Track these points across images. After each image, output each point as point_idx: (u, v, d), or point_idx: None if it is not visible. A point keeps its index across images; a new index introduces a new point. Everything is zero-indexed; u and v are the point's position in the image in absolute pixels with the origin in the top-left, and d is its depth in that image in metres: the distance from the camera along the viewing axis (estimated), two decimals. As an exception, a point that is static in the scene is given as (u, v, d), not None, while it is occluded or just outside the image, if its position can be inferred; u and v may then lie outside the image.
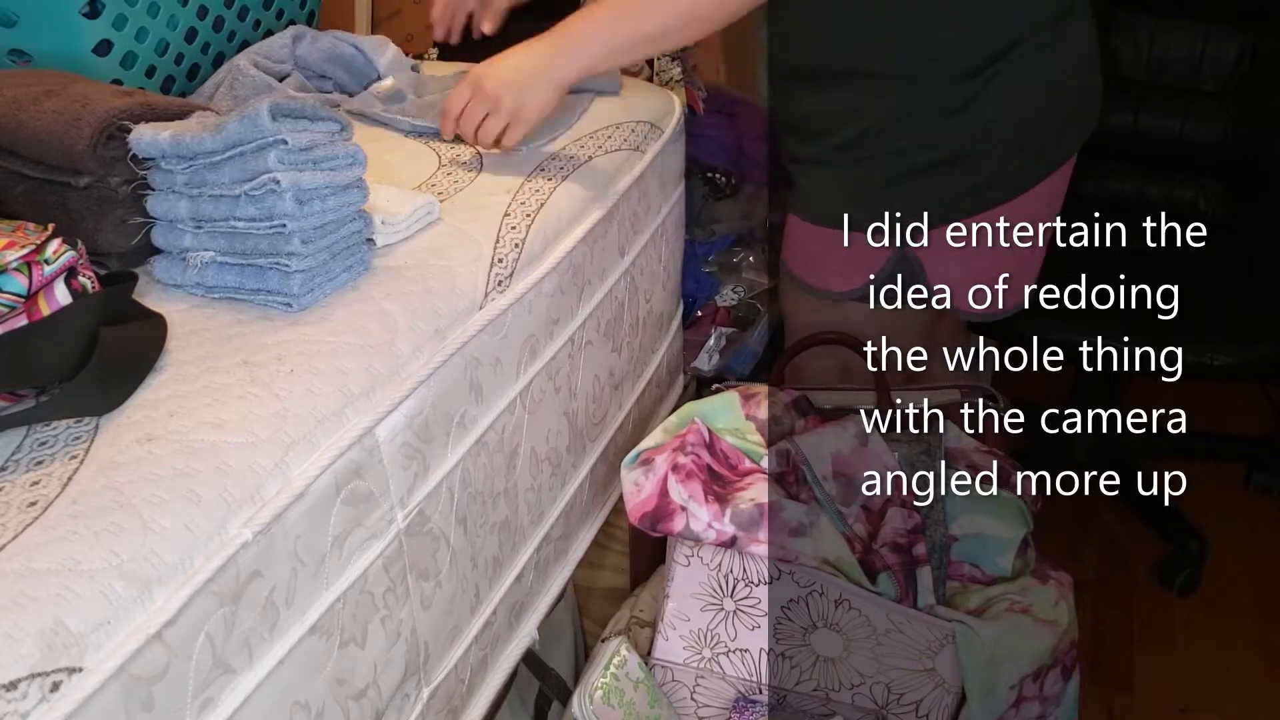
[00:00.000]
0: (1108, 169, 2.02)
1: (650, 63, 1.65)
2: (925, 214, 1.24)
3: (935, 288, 1.27)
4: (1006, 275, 1.31)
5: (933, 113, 1.20)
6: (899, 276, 1.27)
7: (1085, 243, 1.89)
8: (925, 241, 1.25)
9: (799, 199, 1.32)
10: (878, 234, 1.25)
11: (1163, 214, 1.98)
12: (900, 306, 1.30)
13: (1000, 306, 1.32)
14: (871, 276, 1.27)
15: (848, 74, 1.22)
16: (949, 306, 1.29)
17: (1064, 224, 1.91)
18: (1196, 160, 1.95)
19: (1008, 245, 1.28)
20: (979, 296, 1.30)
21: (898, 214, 1.25)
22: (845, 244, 1.27)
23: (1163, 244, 1.88)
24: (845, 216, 1.26)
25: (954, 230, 1.25)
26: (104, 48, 1.17)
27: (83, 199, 0.95)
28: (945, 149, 1.21)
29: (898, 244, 1.25)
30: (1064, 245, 1.87)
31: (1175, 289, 1.75)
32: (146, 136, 0.91)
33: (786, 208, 1.36)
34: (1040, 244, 1.34)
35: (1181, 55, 1.94)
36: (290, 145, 0.88)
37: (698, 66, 1.79)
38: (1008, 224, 1.26)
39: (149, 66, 1.22)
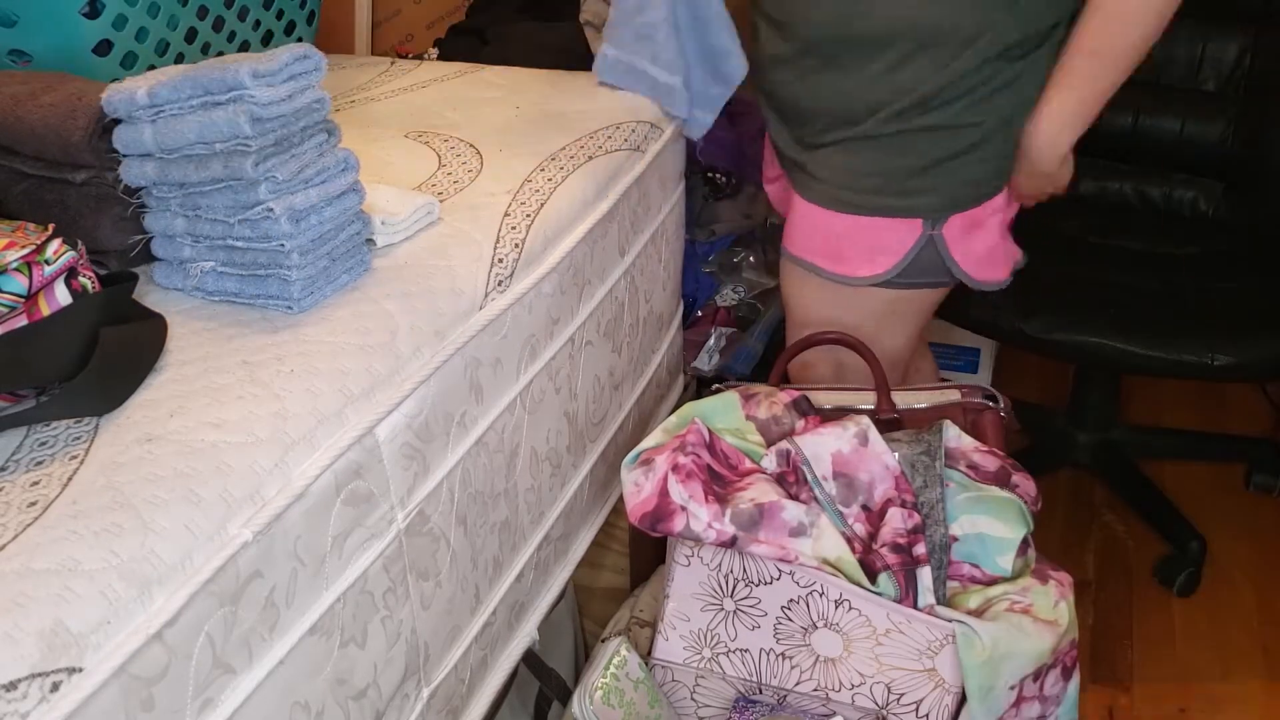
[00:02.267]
0: (1108, 169, 2.02)
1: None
2: (959, 198, 1.25)
3: (956, 265, 1.28)
4: (1006, 239, 1.33)
5: (974, 90, 1.19)
6: (925, 258, 1.27)
7: (1085, 242, 1.90)
8: (950, 223, 1.26)
9: (820, 187, 1.29)
10: (910, 218, 1.25)
11: (1163, 214, 1.99)
12: (918, 289, 1.31)
13: (1005, 274, 1.34)
14: (898, 260, 1.27)
15: (887, 43, 1.19)
16: (972, 281, 1.30)
17: (1064, 223, 1.93)
18: (1196, 160, 1.95)
19: (1006, 213, 1.31)
20: (991, 267, 1.31)
21: (930, 197, 1.25)
22: (869, 229, 1.27)
23: (1163, 243, 1.89)
24: (875, 203, 1.26)
25: (975, 212, 1.26)
26: (104, 48, 1.17)
27: (81, 196, 0.95)
28: (982, 129, 1.21)
29: (930, 228, 1.26)
30: (1064, 245, 1.88)
31: (1175, 289, 1.76)
32: (134, 167, 0.91)
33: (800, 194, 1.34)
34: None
35: (1181, 55, 1.94)
36: (280, 179, 0.88)
37: (698, 66, 1.79)
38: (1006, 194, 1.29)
39: (149, 67, 1.22)
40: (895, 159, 1.24)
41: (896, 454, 1.11)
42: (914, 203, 1.25)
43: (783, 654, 1.10)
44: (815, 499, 1.09)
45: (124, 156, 0.92)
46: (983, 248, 1.29)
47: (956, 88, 1.19)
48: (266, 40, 1.41)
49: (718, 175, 1.82)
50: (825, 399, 1.25)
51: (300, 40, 1.31)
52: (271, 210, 0.88)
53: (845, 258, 1.30)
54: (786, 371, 1.36)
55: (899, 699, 1.07)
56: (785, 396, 1.19)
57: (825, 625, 1.07)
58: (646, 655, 1.14)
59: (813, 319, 1.36)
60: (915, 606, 1.05)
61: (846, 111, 1.25)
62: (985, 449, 1.16)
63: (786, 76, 1.29)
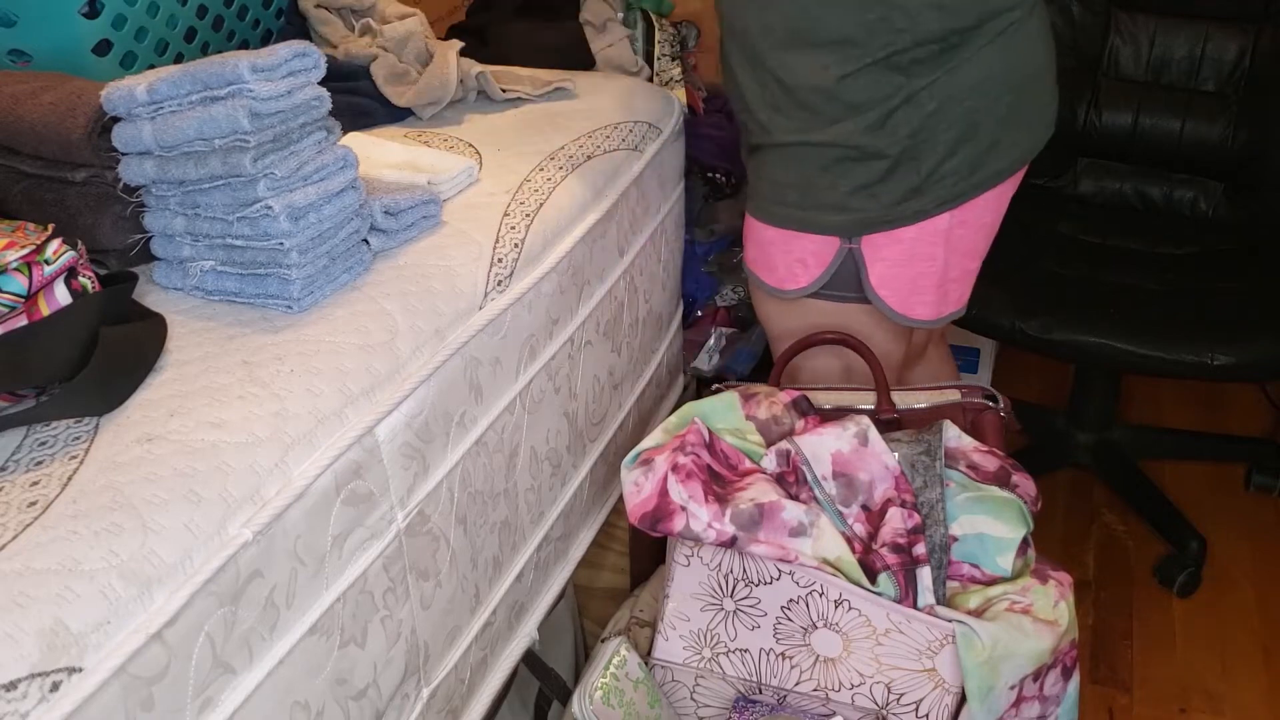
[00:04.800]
0: (1108, 169, 2.02)
1: (650, 62, 1.66)
2: (870, 217, 1.19)
3: (870, 287, 1.23)
4: (945, 280, 1.26)
5: (864, 109, 1.14)
6: (845, 273, 1.23)
7: (1085, 242, 1.90)
8: (872, 242, 1.21)
9: (753, 198, 1.28)
10: (823, 235, 1.22)
11: (1163, 214, 1.99)
12: (857, 304, 1.26)
13: (941, 314, 1.28)
14: (820, 273, 1.24)
15: (822, 42, 1.14)
16: (891, 311, 1.25)
17: (1065, 223, 1.93)
18: (1196, 160, 1.95)
19: (952, 252, 1.24)
20: (921, 304, 1.26)
21: (844, 214, 1.20)
22: (791, 241, 1.24)
23: (1163, 243, 1.89)
24: (791, 216, 1.23)
25: (896, 234, 1.21)
26: (104, 48, 1.17)
27: (80, 195, 0.95)
28: (889, 146, 1.15)
29: (848, 242, 1.21)
30: (1064, 245, 1.88)
31: (1175, 289, 1.76)
32: (133, 165, 0.91)
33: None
34: (980, 251, 1.29)
35: (1181, 55, 1.95)
36: (279, 175, 0.88)
37: (697, 66, 1.79)
38: (950, 227, 1.21)
39: (148, 66, 1.22)
40: (809, 171, 1.20)
41: (896, 454, 1.11)
42: (826, 218, 1.21)
43: (783, 654, 1.10)
44: (815, 499, 1.09)
45: (123, 155, 0.92)
46: (908, 277, 1.23)
47: (842, 100, 1.14)
48: (266, 39, 1.41)
49: (718, 175, 1.82)
50: (825, 399, 1.25)
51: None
52: (270, 208, 0.88)
53: (775, 269, 1.28)
54: (790, 370, 1.36)
55: (899, 699, 1.07)
56: (785, 396, 1.19)
57: (825, 625, 1.07)
58: (646, 655, 1.14)
59: (775, 330, 1.35)
60: (915, 606, 1.05)
61: (763, 111, 1.21)
62: (985, 449, 1.16)
63: (730, 74, 1.27)
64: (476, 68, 1.36)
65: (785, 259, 1.26)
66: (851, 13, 1.12)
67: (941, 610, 1.04)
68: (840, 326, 1.28)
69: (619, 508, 1.34)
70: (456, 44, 1.37)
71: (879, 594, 1.04)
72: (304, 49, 0.89)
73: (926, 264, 1.23)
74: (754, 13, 1.18)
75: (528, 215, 1.11)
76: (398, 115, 1.32)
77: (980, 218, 1.24)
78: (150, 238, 0.95)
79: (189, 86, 0.87)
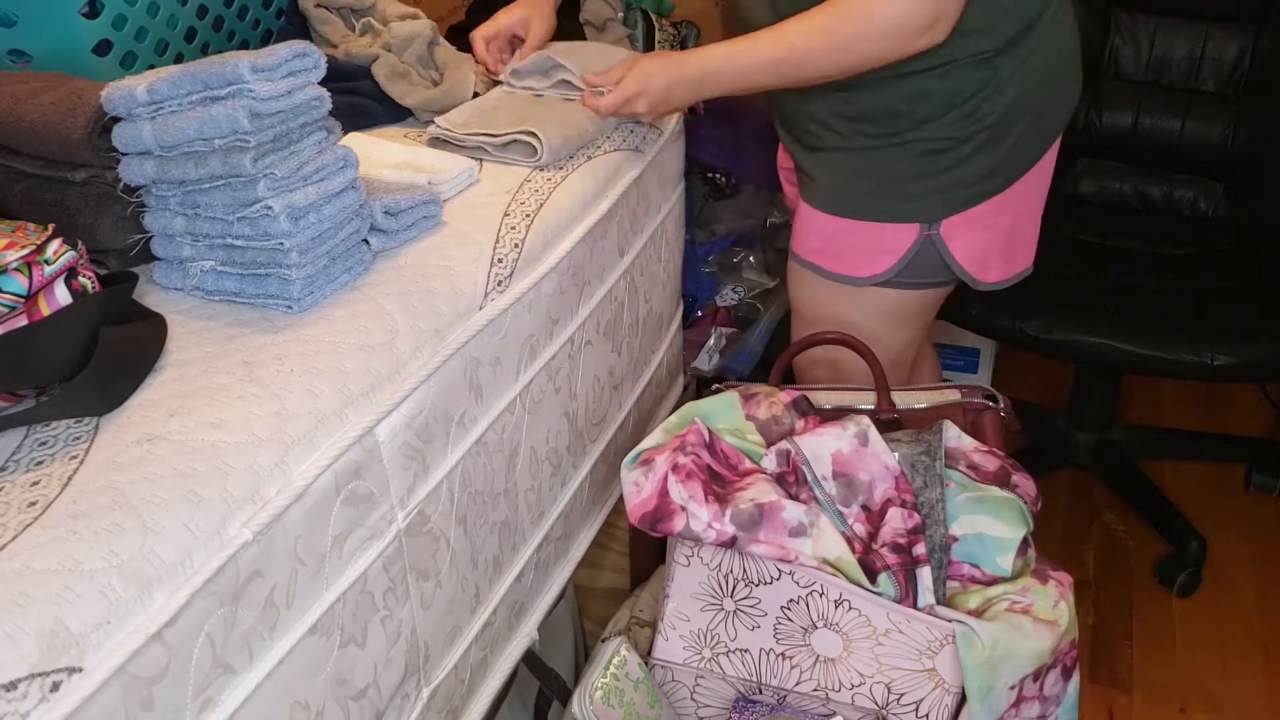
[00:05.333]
0: (1108, 169, 2.02)
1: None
2: (954, 199, 1.25)
3: (956, 264, 1.29)
4: (1013, 244, 1.33)
5: (968, 95, 1.20)
6: (924, 258, 1.28)
7: (1085, 242, 1.90)
8: (948, 223, 1.26)
9: (819, 190, 1.31)
10: (906, 222, 1.27)
11: (1163, 214, 1.99)
12: (920, 289, 1.32)
13: (1010, 274, 1.35)
14: (897, 260, 1.28)
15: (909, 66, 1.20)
16: (971, 279, 1.31)
17: (1065, 223, 1.93)
18: (1196, 160, 1.95)
19: (1015, 216, 1.31)
20: (994, 267, 1.32)
21: (927, 201, 1.25)
22: (868, 231, 1.28)
23: (1163, 243, 1.89)
24: (872, 207, 1.28)
25: (970, 211, 1.26)
26: (104, 48, 1.17)
27: (80, 195, 0.95)
28: (977, 133, 1.22)
29: (926, 230, 1.26)
30: (1064, 245, 1.88)
31: (1175, 289, 1.76)
32: (134, 165, 0.91)
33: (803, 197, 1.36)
34: (1038, 212, 1.37)
35: (1181, 55, 1.95)
36: (279, 175, 0.88)
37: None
38: (1014, 196, 1.28)
39: (148, 66, 1.22)
40: (889, 165, 1.25)
41: (896, 454, 1.11)
42: (909, 207, 1.26)
43: (783, 654, 1.10)
44: (815, 499, 1.09)
45: (123, 155, 0.92)
46: (980, 246, 1.29)
47: (937, 99, 1.20)
48: (266, 39, 1.41)
49: (718, 175, 1.83)
50: (825, 399, 1.25)
51: (300, 40, 1.31)
52: (270, 208, 0.88)
53: (845, 258, 1.32)
54: (791, 368, 1.37)
55: (899, 699, 1.07)
56: (785, 396, 1.19)
57: (825, 625, 1.07)
58: (646, 655, 1.14)
59: (820, 318, 1.38)
60: (915, 606, 1.05)
61: (841, 123, 1.26)
62: (985, 449, 1.16)
63: (783, 93, 1.31)
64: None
65: (859, 248, 1.30)
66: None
67: (941, 610, 1.04)
68: (875, 314, 1.33)
69: (619, 508, 1.34)
70: (470, 60, 1.37)
71: (879, 594, 1.04)
72: (304, 49, 0.89)
73: (994, 233, 1.29)
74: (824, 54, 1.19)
75: (528, 215, 1.11)
76: (398, 115, 1.32)
77: (1034, 184, 1.31)
78: (150, 238, 0.95)
79: (189, 86, 0.87)
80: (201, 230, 0.92)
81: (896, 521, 1.06)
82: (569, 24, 1.62)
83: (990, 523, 1.10)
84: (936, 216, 1.26)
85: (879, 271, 1.30)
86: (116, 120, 0.91)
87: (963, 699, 1.04)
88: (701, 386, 1.62)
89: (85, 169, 0.94)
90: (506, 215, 1.10)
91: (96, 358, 0.78)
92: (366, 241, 0.99)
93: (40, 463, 0.73)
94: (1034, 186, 1.32)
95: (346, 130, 1.16)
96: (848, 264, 1.32)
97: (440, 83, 1.34)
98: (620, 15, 1.67)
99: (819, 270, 1.34)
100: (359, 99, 1.30)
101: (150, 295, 0.94)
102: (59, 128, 0.92)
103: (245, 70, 0.85)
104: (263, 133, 0.86)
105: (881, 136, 1.24)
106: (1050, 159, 1.33)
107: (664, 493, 1.06)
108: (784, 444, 1.12)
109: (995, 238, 1.30)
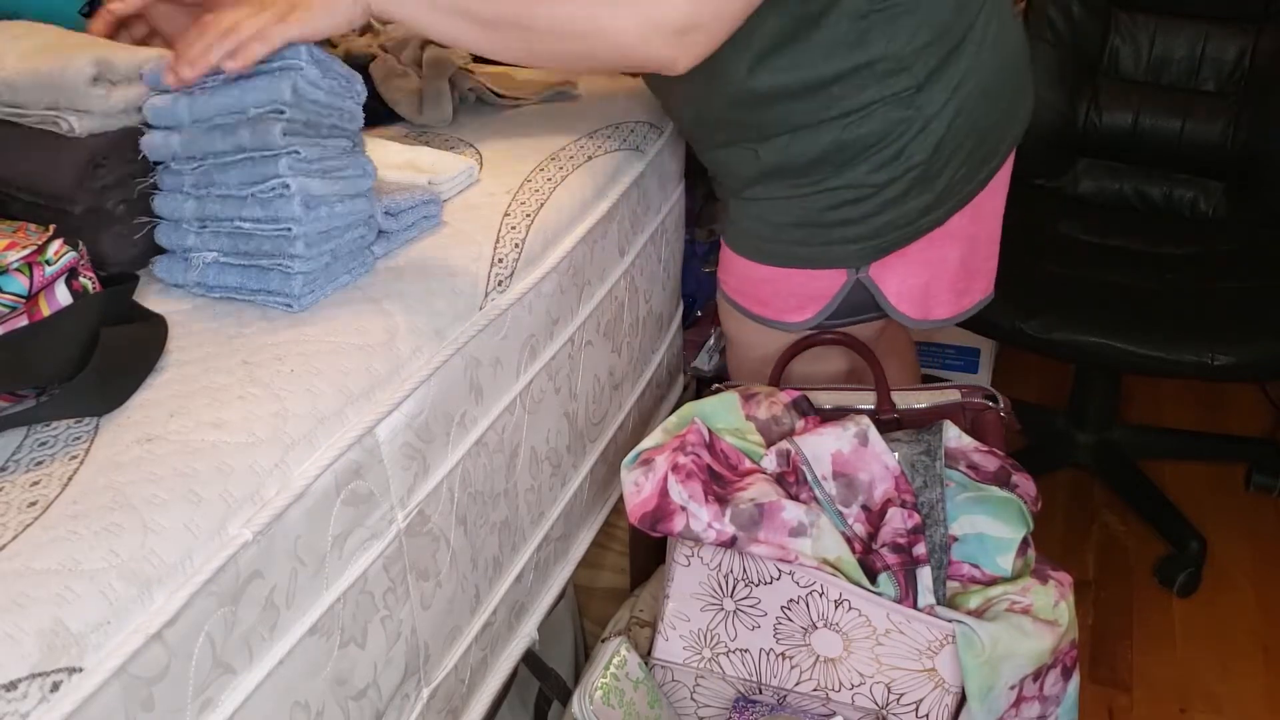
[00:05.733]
0: (1108, 169, 2.02)
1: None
2: (884, 242, 1.19)
3: (889, 304, 1.23)
4: (967, 274, 1.27)
5: (891, 139, 1.13)
6: (855, 298, 1.23)
7: (1085, 242, 1.90)
8: (879, 263, 1.21)
9: (741, 236, 1.24)
10: (833, 268, 1.21)
11: (1163, 214, 1.99)
12: (862, 323, 1.27)
13: (963, 308, 1.29)
14: (824, 305, 1.23)
15: (809, 90, 1.11)
16: (909, 320, 1.25)
17: (1065, 223, 1.93)
18: (1196, 160, 1.95)
19: (967, 243, 1.24)
20: (941, 304, 1.26)
21: (856, 246, 1.19)
22: (795, 279, 1.23)
23: (1163, 243, 1.89)
24: (797, 255, 1.21)
25: (904, 250, 1.20)
26: (104, 48, 1.16)
27: (79, 221, 0.94)
28: (904, 174, 1.14)
29: (855, 274, 1.21)
30: (1064, 245, 1.88)
31: (1175, 289, 1.76)
32: (158, 140, 0.92)
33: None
34: (995, 235, 1.30)
35: (1181, 55, 1.95)
36: (302, 155, 0.89)
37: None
38: (962, 225, 1.21)
39: (149, 66, 1.22)
40: (814, 212, 1.18)
41: (896, 454, 1.11)
42: (834, 252, 1.20)
43: (783, 654, 1.10)
44: (815, 499, 1.09)
45: (149, 128, 0.93)
46: (920, 284, 1.23)
47: (853, 147, 1.13)
48: (266, 40, 1.41)
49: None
50: (825, 399, 1.25)
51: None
52: (287, 186, 0.88)
53: (770, 304, 1.26)
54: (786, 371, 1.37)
55: (899, 699, 1.07)
56: (785, 396, 1.19)
57: (825, 625, 1.07)
58: (646, 655, 1.14)
59: (756, 356, 1.33)
60: (915, 606, 1.05)
61: (757, 175, 1.20)
62: (985, 449, 1.16)
63: (697, 144, 1.28)
64: (471, 81, 1.35)
65: (782, 295, 1.25)
66: (844, 66, 1.09)
67: (941, 610, 1.04)
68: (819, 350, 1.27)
69: (619, 508, 1.34)
70: (451, 66, 1.34)
71: (879, 594, 1.04)
72: (356, 77, 0.94)
73: (938, 268, 1.23)
74: (720, 88, 1.11)
75: (528, 215, 1.11)
76: (398, 115, 1.32)
77: (990, 204, 1.24)
78: (152, 230, 0.95)
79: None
80: (211, 213, 0.92)
81: (896, 521, 1.06)
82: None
83: (990, 523, 1.10)
84: (863, 261, 1.20)
85: (807, 318, 1.25)
86: (106, 158, 0.92)
87: (963, 699, 1.04)
88: (701, 386, 1.62)
89: (81, 204, 0.93)
90: (506, 215, 1.10)
91: (97, 358, 0.78)
92: (373, 248, 0.99)
93: (40, 463, 0.73)
94: (986, 210, 1.24)
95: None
96: (773, 309, 1.26)
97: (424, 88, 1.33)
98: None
99: (743, 311, 1.29)
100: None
101: (151, 294, 0.94)
102: (45, 180, 0.92)
103: (303, 51, 0.89)
104: (298, 109, 0.88)
105: (804, 185, 1.17)
106: (1003, 178, 1.25)
107: (664, 493, 1.06)
108: (784, 444, 1.12)
109: (940, 272, 1.23)
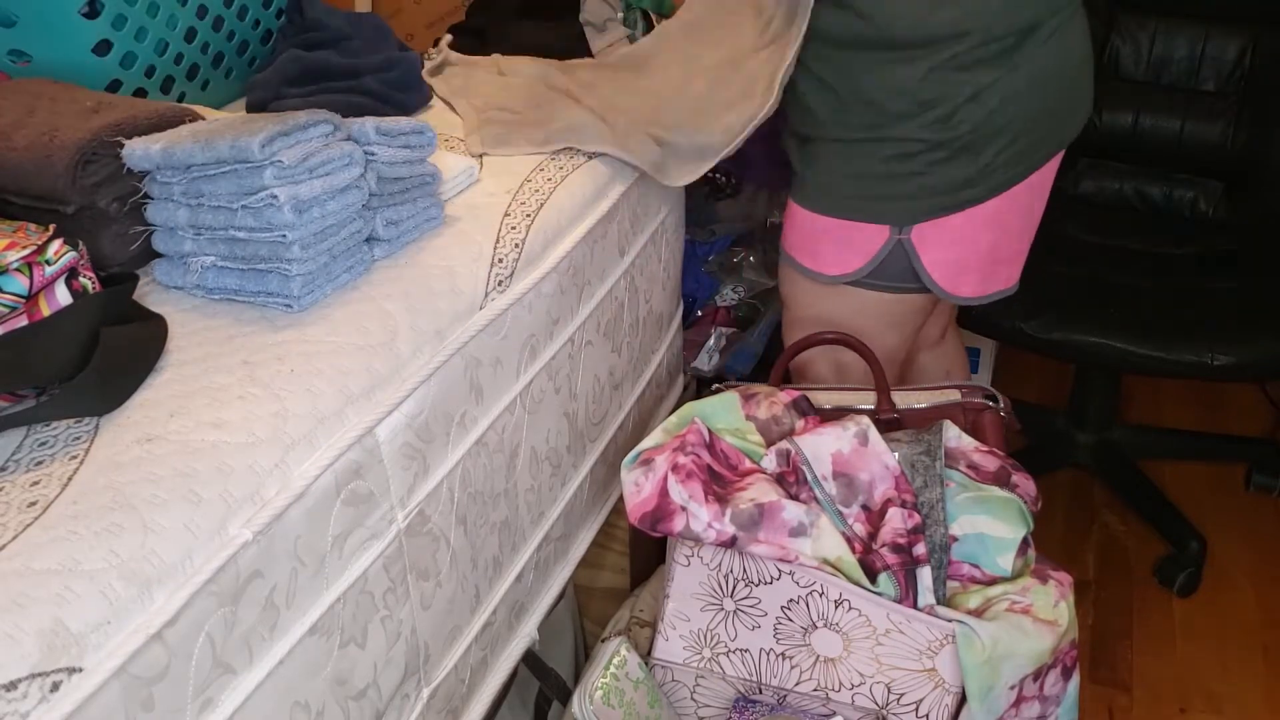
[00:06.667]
0: (1108, 169, 2.02)
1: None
2: (923, 205, 1.25)
3: (925, 273, 1.28)
4: (994, 261, 1.32)
5: (944, 99, 1.20)
6: (894, 261, 1.28)
7: (1085, 242, 1.90)
8: (920, 229, 1.26)
9: (805, 187, 1.33)
10: (878, 224, 1.27)
11: (1163, 214, 1.99)
12: (894, 293, 1.32)
13: (986, 291, 1.34)
14: (867, 261, 1.29)
15: (892, 45, 1.20)
16: (940, 290, 1.30)
17: (1065, 223, 1.93)
18: (1196, 160, 1.95)
19: (1000, 233, 1.30)
20: (968, 283, 1.31)
21: (898, 204, 1.26)
22: (842, 230, 1.29)
23: (1163, 243, 1.89)
24: (849, 206, 1.28)
25: (944, 221, 1.26)
26: (103, 48, 1.17)
27: (75, 223, 0.94)
28: (951, 139, 1.21)
29: (897, 234, 1.27)
30: (1064, 245, 1.88)
31: (1175, 289, 1.76)
32: (139, 150, 0.91)
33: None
34: (1028, 232, 1.36)
35: (1181, 55, 1.95)
36: (286, 164, 0.88)
37: (698, 66, 1.79)
38: (998, 212, 1.27)
39: (149, 66, 1.22)
40: (868, 164, 1.25)
41: (896, 454, 1.11)
42: (880, 207, 1.27)
43: (783, 654, 1.10)
44: (815, 499, 1.09)
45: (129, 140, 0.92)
46: (953, 258, 1.29)
47: (913, 98, 1.20)
48: (266, 39, 1.41)
49: (718, 175, 1.82)
50: (825, 399, 1.25)
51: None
52: (275, 197, 0.88)
53: (820, 255, 1.33)
54: (788, 370, 1.37)
55: (899, 699, 1.07)
56: (785, 396, 1.19)
57: (825, 625, 1.07)
58: (646, 655, 1.14)
59: (804, 316, 1.39)
60: (915, 606, 1.05)
61: (825, 110, 1.26)
62: (985, 449, 1.16)
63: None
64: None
65: (833, 246, 1.31)
66: (921, 16, 1.17)
67: (941, 610, 1.04)
68: (857, 314, 1.32)
69: (619, 508, 1.34)
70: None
71: (879, 594, 1.04)
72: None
73: (971, 246, 1.29)
74: (819, 16, 1.21)
75: (528, 215, 1.11)
76: (399, 115, 1.32)
77: (1024, 201, 1.30)
78: (150, 234, 0.95)
79: None
80: (204, 221, 0.92)
81: (896, 521, 1.06)
82: (569, 25, 1.62)
83: (990, 523, 1.10)
84: (906, 221, 1.26)
85: (849, 271, 1.31)
86: (96, 154, 0.91)
87: (963, 699, 1.04)
88: (701, 386, 1.62)
89: (73, 203, 0.92)
90: (507, 215, 1.10)
91: (96, 358, 0.78)
92: (368, 241, 0.99)
93: (40, 463, 0.73)
94: (1024, 204, 1.31)
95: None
96: (822, 261, 1.33)
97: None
98: (620, 15, 1.66)
99: (798, 266, 1.36)
100: (359, 98, 1.30)
101: (151, 295, 0.94)
102: (36, 176, 0.91)
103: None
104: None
105: (862, 129, 1.24)
106: (1047, 176, 1.31)
107: (664, 493, 1.06)
108: (784, 444, 1.12)
109: (972, 253, 1.29)
